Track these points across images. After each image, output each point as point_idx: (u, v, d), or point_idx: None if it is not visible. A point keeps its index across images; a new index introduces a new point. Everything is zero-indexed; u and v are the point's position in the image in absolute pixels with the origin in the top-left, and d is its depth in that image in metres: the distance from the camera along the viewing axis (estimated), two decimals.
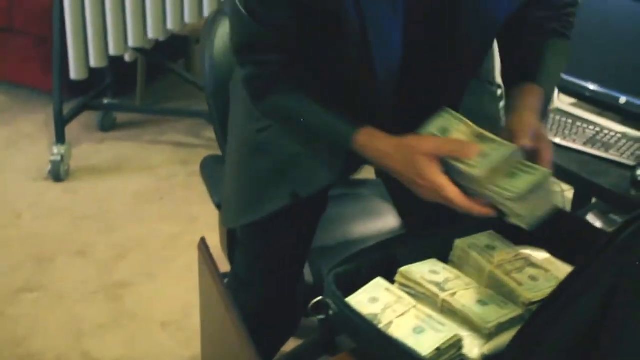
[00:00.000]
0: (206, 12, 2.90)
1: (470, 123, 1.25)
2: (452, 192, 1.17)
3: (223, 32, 1.99)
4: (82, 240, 2.77)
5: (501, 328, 1.08)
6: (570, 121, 2.48)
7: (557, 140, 2.39)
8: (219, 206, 1.84)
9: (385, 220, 2.08)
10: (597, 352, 0.78)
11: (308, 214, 1.62)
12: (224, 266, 1.90)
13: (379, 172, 1.71)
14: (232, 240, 1.91)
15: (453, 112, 1.28)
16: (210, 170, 1.98)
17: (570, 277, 0.84)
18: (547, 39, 1.44)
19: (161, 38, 3.06)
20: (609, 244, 0.78)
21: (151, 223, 2.87)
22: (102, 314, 2.42)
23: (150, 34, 2.96)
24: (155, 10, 2.91)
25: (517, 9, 1.34)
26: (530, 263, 1.20)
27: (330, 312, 1.13)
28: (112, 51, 2.99)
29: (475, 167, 1.17)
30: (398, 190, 1.40)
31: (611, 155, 2.20)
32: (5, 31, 3.63)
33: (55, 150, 3.11)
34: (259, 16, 1.29)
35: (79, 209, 2.95)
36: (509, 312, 1.10)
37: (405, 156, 1.23)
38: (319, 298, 1.14)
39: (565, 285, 0.84)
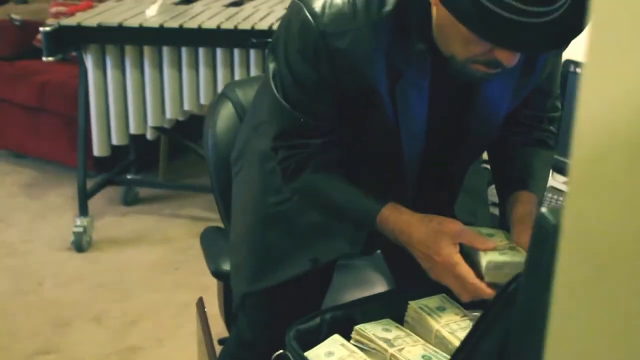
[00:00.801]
0: None
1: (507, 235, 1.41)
2: (466, 271, 1.31)
3: (225, 113, 2.16)
4: (98, 307, 2.93)
5: None
6: (562, 199, 2.61)
7: None
8: (215, 274, 1.98)
9: (375, 290, 2.20)
10: None
11: (317, 282, 1.71)
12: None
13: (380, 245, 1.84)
14: (228, 305, 2.04)
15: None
16: (210, 241, 2.13)
17: (474, 325, 0.98)
18: (535, 149, 1.61)
19: (180, 118, 3.25)
20: (495, 302, 0.92)
21: (165, 292, 3.03)
22: None
23: (169, 114, 3.15)
24: (172, 92, 3.11)
25: (513, 109, 1.52)
26: (473, 319, 1.33)
27: None
28: (132, 130, 3.19)
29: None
30: (396, 262, 1.56)
31: None
32: (38, 111, 3.87)
33: (78, 222, 3.29)
34: (301, 106, 1.43)
35: (97, 277, 3.12)
36: None
37: (429, 229, 1.37)
38: (280, 351, 1.28)
39: (471, 331, 0.98)
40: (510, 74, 1.42)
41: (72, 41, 3.04)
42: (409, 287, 1.43)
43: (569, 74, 2.73)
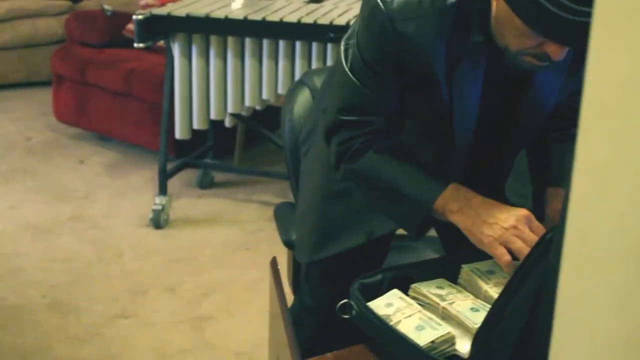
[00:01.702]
0: None
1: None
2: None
3: (302, 99, 2.32)
4: (172, 279, 3.12)
5: None
6: None
7: None
8: (285, 243, 2.14)
9: None
10: (538, 319, 1.06)
11: (372, 256, 1.85)
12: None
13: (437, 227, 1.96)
14: (296, 276, 2.21)
15: None
16: (283, 214, 2.29)
17: (515, 272, 1.13)
18: (570, 144, 1.72)
19: (258, 107, 3.43)
20: (535, 249, 1.06)
21: (235, 269, 3.21)
22: (185, 341, 2.75)
23: (248, 102, 3.34)
24: (252, 81, 3.29)
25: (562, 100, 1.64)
26: None
27: (354, 312, 1.42)
28: (213, 116, 3.39)
29: None
30: (452, 244, 1.69)
31: None
32: (124, 96, 4.10)
33: (157, 200, 3.50)
34: (365, 80, 1.56)
35: (172, 252, 3.32)
36: None
37: (493, 204, 1.50)
38: (345, 301, 1.43)
39: (515, 273, 1.12)
40: (559, 70, 1.54)
41: (161, 29, 3.25)
42: (464, 254, 1.55)
43: None
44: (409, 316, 1.39)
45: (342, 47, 1.63)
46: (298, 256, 1.97)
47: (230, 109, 3.37)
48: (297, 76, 3.25)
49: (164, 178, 3.54)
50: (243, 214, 3.68)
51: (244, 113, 3.50)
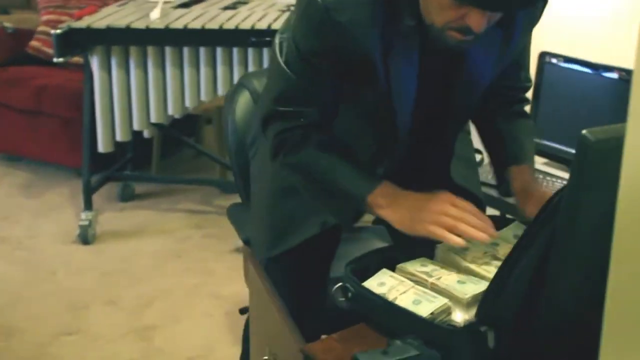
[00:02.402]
0: (220, 91, 3.30)
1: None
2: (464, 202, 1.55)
3: (242, 101, 2.37)
4: (111, 292, 3.11)
5: (475, 299, 1.43)
6: (541, 176, 2.87)
7: None
8: (245, 242, 2.19)
9: None
10: (545, 281, 1.15)
11: (326, 246, 1.92)
12: None
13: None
14: None
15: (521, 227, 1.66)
16: (236, 214, 2.34)
17: (522, 235, 1.22)
18: (517, 122, 1.85)
19: (178, 115, 3.44)
20: (542, 212, 1.16)
21: (172, 277, 3.22)
22: (134, 351, 2.75)
23: (171, 111, 3.35)
24: (174, 90, 3.31)
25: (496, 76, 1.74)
26: (496, 258, 1.57)
27: (349, 295, 1.48)
28: (136, 126, 3.38)
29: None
30: (399, 235, 1.79)
31: None
32: (35, 114, 4.03)
33: (84, 216, 3.47)
34: (299, 71, 1.63)
35: (106, 266, 3.30)
36: (481, 287, 1.45)
37: (417, 196, 1.59)
38: (340, 284, 1.50)
39: (520, 239, 1.22)
40: (490, 47, 1.64)
41: (80, 43, 3.23)
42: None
43: (544, 65, 3.00)
44: (404, 292, 1.47)
45: (276, 41, 1.69)
46: (257, 255, 2.01)
47: (153, 119, 3.38)
48: (219, 82, 3.30)
49: (88, 193, 3.51)
50: (169, 224, 3.69)
51: (165, 122, 3.51)
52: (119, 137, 3.41)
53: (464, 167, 1.92)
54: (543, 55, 3.01)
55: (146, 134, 3.64)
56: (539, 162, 3.03)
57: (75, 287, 3.15)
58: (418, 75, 1.64)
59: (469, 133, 2.03)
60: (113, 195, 3.90)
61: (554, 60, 2.99)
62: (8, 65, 4.27)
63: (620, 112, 3.03)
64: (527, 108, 1.93)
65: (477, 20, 1.47)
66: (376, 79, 1.61)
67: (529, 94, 3.12)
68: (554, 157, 3.00)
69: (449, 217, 1.52)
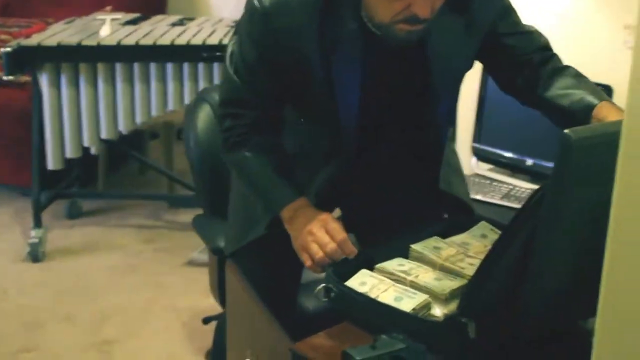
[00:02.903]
0: (170, 106, 3.34)
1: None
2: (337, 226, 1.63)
3: (203, 115, 2.43)
4: (66, 309, 3.11)
5: (453, 294, 1.52)
6: (488, 182, 2.99)
7: (479, 197, 2.89)
8: (213, 251, 2.24)
9: None
10: (527, 273, 1.24)
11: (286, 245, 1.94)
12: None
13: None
14: (222, 286, 2.30)
15: (490, 227, 1.74)
16: (202, 225, 2.37)
17: (505, 228, 1.31)
18: (563, 77, 1.76)
19: (129, 131, 3.46)
20: (525, 207, 1.25)
21: (127, 292, 3.23)
22: None
23: (121, 127, 3.37)
24: (125, 106, 3.33)
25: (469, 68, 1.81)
26: (468, 255, 1.65)
27: (332, 295, 1.55)
28: (86, 143, 3.39)
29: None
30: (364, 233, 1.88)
31: None
32: None
33: (34, 234, 3.46)
34: (243, 76, 1.74)
35: (59, 284, 3.29)
36: (458, 283, 1.54)
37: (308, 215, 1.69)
38: (323, 285, 1.56)
39: (502, 234, 1.30)
40: (453, 36, 1.71)
41: (30, 60, 3.22)
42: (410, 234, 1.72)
43: (487, 75, 3.12)
44: (385, 290, 1.54)
45: (228, 48, 1.80)
46: (226, 251, 2.06)
47: (103, 135, 3.39)
48: (169, 97, 3.33)
49: (38, 211, 3.50)
50: (120, 239, 3.69)
51: (115, 138, 3.52)
52: (68, 154, 3.41)
53: (451, 175, 1.98)
54: None
55: (93, 150, 3.64)
56: (484, 169, 3.16)
57: (29, 305, 3.14)
58: (365, 76, 1.72)
59: (452, 140, 2.12)
60: (61, 212, 3.89)
61: None
62: None
63: None
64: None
65: (422, 6, 1.55)
66: (317, 82, 1.69)
67: (473, 102, 3.25)
68: (499, 163, 3.12)
69: (316, 242, 1.63)
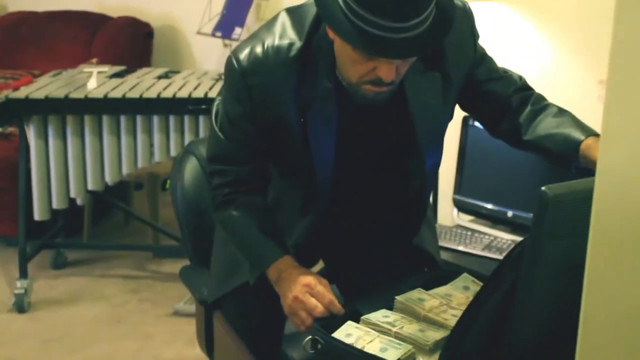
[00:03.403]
0: (157, 157, 3.38)
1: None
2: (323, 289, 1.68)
3: (190, 167, 2.47)
4: (52, 359, 3.11)
5: (437, 345, 1.56)
6: (469, 233, 3.04)
7: (461, 248, 2.94)
8: (200, 301, 2.26)
9: None
10: (509, 322, 1.28)
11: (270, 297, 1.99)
12: None
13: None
14: (209, 337, 2.32)
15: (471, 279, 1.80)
16: (188, 276, 2.40)
17: (486, 281, 1.36)
18: (548, 113, 1.81)
19: (115, 182, 3.49)
20: (507, 259, 1.30)
21: (113, 342, 3.24)
22: None
23: (108, 178, 3.41)
24: (111, 158, 3.37)
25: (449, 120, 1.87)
26: (451, 307, 1.70)
27: (319, 346, 1.59)
28: (73, 194, 3.43)
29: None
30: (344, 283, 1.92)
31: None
32: None
33: (19, 284, 3.47)
34: (227, 132, 1.82)
35: (45, 334, 3.30)
36: (441, 334, 1.59)
37: (293, 277, 1.74)
38: (309, 337, 1.60)
39: (484, 286, 1.35)
40: (433, 92, 1.78)
41: (17, 113, 3.27)
42: (391, 288, 1.77)
43: (467, 128, 3.20)
44: (370, 341, 1.58)
45: (214, 106, 1.89)
46: (209, 299, 2.10)
47: (90, 186, 3.43)
48: (156, 149, 3.38)
49: (24, 261, 3.51)
50: (105, 289, 3.71)
51: (101, 189, 3.56)
52: (55, 205, 3.44)
53: (424, 230, 2.03)
54: (465, 119, 3.21)
55: (79, 201, 3.67)
56: (465, 220, 3.21)
57: (15, 355, 3.14)
58: (342, 132, 1.78)
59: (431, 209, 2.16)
60: (45, 263, 3.90)
61: (475, 123, 3.19)
62: None
63: (536, 170, 3.23)
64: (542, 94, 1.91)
65: (386, 71, 1.61)
66: (294, 139, 1.76)
67: (453, 154, 3.31)
68: (480, 215, 3.18)
69: (303, 309, 1.68)
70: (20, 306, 3.46)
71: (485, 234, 3.04)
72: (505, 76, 1.90)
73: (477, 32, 1.85)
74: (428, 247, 2.01)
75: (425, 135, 1.82)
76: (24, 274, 3.51)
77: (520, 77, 1.91)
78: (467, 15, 1.83)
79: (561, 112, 1.82)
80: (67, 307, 3.53)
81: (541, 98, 1.88)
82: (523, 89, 1.89)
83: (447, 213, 3.34)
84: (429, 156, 1.87)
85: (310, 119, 1.74)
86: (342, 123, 1.77)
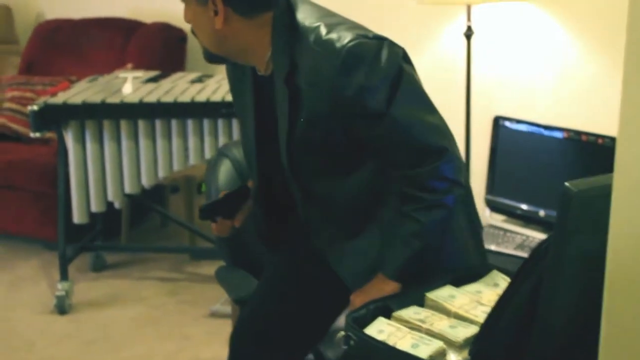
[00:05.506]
0: (192, 160, 3.44)
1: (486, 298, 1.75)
2: None
3: (224, 170, 2.52)
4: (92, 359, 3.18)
5: (468, 341, 1.59)
6: (502, 233, 3.05)
7: (493, 247, 2.95)
8: (236, 301, 2.32)
9: None
10: (536, 317, 1.31)
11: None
12: None
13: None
14: None
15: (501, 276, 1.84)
16: (225, 276, 2.45)
17: (513, 277, 1.39)
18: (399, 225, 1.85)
19: (151, 186, 3.55)
20: (533, 255, 1.32)
21: (151, 343, 3.31)
22: None
23: (144, 182, 3.47)
24: (147, 161, 3.43)
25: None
26: (481, 303, 1.73)
27: (352, 342, 1.62)
28: (110, 197, 3.49)
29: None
30: None
31: None
32: (3, 189, 4.09)
33: (60, 286, 3.55)
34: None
35: (85, 335, 3.37)
36: (472, 330, 1.61)
37: None
38: (342, 333, 1.64)
39: (511, 282, 1.38)
40: (283, 102, 1.82)
41: (55, 118, 3.35)
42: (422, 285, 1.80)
43: (498, 128, 3.21)
44: (402, 338, 1.61)
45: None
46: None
47: (127, 190, 3.49)
48: (191, 153, 3.43)
49: (64, 264, 3.59)
50: (143, 291, 3.77)
51: (138, 193, 3.62)
52: (93, 208, 3.51)
53: (357, 260, 1.96)
54: (497, 120, 3.23)
55: (117, 204, 3.74)
56: (498, 220, 3.22)
57: (56, 356, 3.21)
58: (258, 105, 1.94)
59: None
60: (85, 265, 3.98)
61: (506, 123, 3.21)
62: None
63: (567, 168, 3.24)
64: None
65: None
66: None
67: (485, 154, 3.33)
68: (512, 214, 3.19)
69: None
70: (62, 308, 3.53)
71: (517, 233, 3.06)
72: (397, 151, 1.83)
73: (355, 74, 1.74)
74: (344, 269, 1.97)
75: (281, 134, 1.87)
76: (64, 277, 3.58)
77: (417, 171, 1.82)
78: (333, 56, 1.75)
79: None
80: (107, 309, 3.60)
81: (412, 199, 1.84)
82: (409, 179, 1.83)
83: (479, 213, 3.36)
84: (297, 163, 1.89)
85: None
86: (255, 95, 1.93)
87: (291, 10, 1.82)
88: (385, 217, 1.89)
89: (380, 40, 1.77)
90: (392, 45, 1.78)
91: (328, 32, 1.75)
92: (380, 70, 1.74)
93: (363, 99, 1.74)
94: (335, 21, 1.80)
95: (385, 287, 1.83)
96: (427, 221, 1.81)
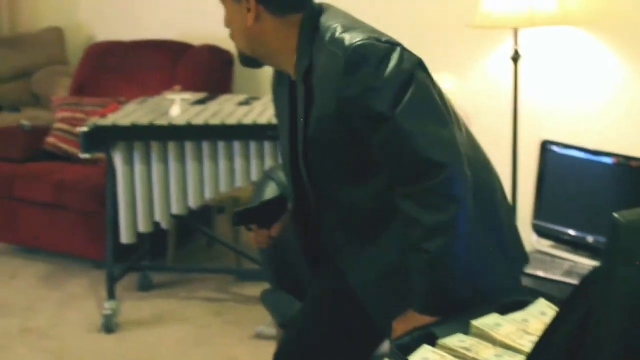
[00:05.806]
0: (238, 182, 3.46)
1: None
2: None
3: (270, 192, 2.54)
4: None
5: None
6: (549, 259, 3.02)
7: (540, 273, 2.92)
8: (281, 325, 2.32)
9: None
10: (584, 348, 1.29)
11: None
12: None
13: None
14: None
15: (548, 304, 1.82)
16: (269, 300, 2.46)
17: (561, 306, 1.37)
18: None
19: (198, 207, 3.59)
20: (582, 284, 1.31)
21: None
22: None
23: (191, 203, 3.51)
24: (194, 183, 3.47)
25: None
26: (527, 332, 1.71)
27: None
28: (157, 218, 3.53)
29: None
30: None
31: None
32: (55, 207, 4.17)
33: (107, 305, 3.59)
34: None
35: (131, 354, 3.41)
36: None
37: None
38: (386, 359, 1.63)
39: (559, 311, 1.36)
40: (301, 101, 1.86)
41: (104, 139, 3.40)
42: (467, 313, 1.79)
43: (546, 153, 3.19)
44: None
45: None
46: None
47: (174, 211, 3.53)
48: (237, 174, 3.46)
49: (112, 283, 3.63)
50: (189, 312, 3.80)
51: (185, 214, 3.65)
52: (141, 229, 3.55)
53: (366, 268, 1.96)
54: (545, 144, 3.20)
55: (164, 225, 3.77)
56: (545, 245, 3.19)
57: None
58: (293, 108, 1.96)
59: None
60: (132, 285, 4.02)
61: (554, 148, 3.18)
62: (25, 162, 4.42)
63: (616, 194, 3.21)
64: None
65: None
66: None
67: (532, 179, 3.30)
68: (560, 240, 3.15)
69: None
70: (109, 327, 3.57)
71: (565, 259, 3.02)
72: (395, 165, 1.81)
73: (359, 74, 1.75)
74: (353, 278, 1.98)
75: (300, 134, 1.90)
76: (112, 296, 3.63)
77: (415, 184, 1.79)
78: (340, 54, 1.77)
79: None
80: (153, 329, 3.63)
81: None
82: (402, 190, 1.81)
83: (526, 238, 3.32)
84: (311, 163, 1.92)
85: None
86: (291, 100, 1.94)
87: (319, 14, 1.86)
88: (399, 229, 1.87)
89: (393, 45, 1.77)
90: (406, 51, 1.77)
91: (342, 32, 1.78)
92: (387, 73, 1.73)
93: (367, 100, 1.74)
94: (356, 25, 1.82)
95: (422, 319, 1.85)
96: (434, 249, 1.78)
